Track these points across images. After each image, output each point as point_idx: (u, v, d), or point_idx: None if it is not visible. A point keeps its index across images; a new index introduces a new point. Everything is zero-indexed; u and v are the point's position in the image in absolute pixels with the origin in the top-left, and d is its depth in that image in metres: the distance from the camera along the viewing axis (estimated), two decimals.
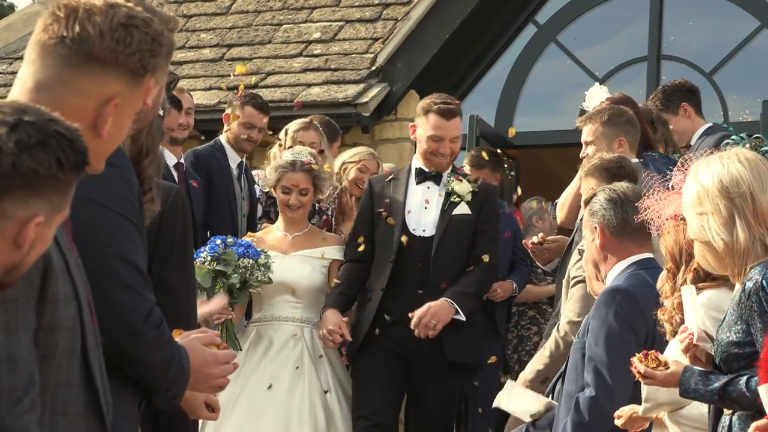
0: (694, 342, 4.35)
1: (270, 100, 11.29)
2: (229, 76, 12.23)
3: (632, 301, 5.33)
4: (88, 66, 2.91)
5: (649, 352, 4.43)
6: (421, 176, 7.61)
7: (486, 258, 7.54)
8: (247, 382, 7.33)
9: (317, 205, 8.21)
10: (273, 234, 7.71)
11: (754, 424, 3.83)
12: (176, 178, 7.90)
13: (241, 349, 7.25)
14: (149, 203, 3.86)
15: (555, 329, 6.64)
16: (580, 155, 7.45)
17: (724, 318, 4.25)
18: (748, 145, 4.67)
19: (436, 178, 7.62)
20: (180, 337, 3.72)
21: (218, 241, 7.19)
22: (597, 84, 8.74)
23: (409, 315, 7.30)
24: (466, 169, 9.87)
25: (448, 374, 7.44)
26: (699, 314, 4.43)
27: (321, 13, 12.96)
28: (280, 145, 8.27)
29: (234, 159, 8.62)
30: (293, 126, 8.37)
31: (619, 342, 5.29)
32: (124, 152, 3.52)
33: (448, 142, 7.49)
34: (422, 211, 7.54)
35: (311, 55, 12.52)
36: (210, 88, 12.15)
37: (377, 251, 7.55)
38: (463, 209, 7.51)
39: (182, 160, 8.15)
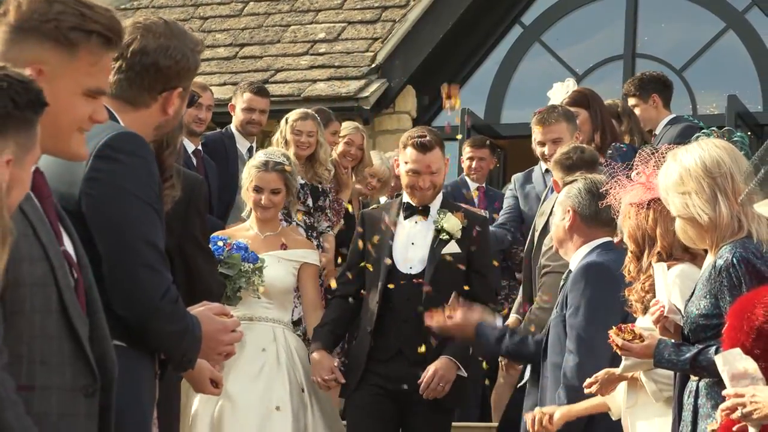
0: (665, 314, 4.36)
1: (279, 94, 11.38)
2: (242, 72, 12.27)
3: (607, 272, 5.32)
4: (16, 37, 3.01)
5: (625, 325, 4.45)
6: (409, 210, 6.78)
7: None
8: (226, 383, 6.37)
9: (320, 186, 8.25)
10: (245, 232, 6.96)
11: (720, 408, 3.86)
12: (195, 162, 8.00)
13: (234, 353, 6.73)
14: (170, 189, 3.92)
15: (528, 312, 6.60)
16: (547, 153, 7.29)
17: (693, 292, 4.29)
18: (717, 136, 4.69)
19: (424, 213, 6.77)
20: (193, 307, 3.75)
21: (219, 243, 6.60)
22: (568, 79, 8.70)
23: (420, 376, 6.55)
24: (466, 150, 9.93)
25: (439, 410, 6.65)
26: (669, 289, 4.45)
27: (326, 15, 12.99)
28: (281, 132, 8.29)
29: (243, 144, 8.67)
30: (292, 116, 8.35)
31: (598, 309, 5.31)
32: (148, 145, 3.57)
33: (427, 175, 6.66)
34: (409, 247, 6.72)
35: (316, 54, 12.56)
36: (224, 84, 12.18)
37: (367, 287, 6.75)
38: (452, 248, 6.65)
39: (200, 147, 8.24)
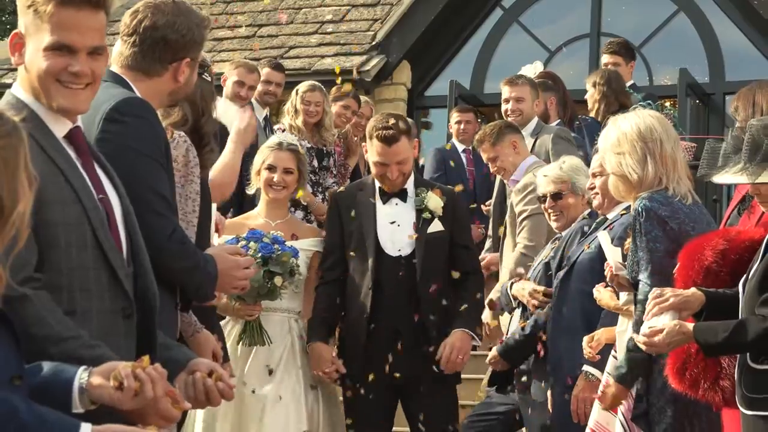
0: (614, 273, 4.44)
1: (292, 68, 11.41)
2: (260, 49, 12.30)
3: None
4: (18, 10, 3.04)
5: (594, 336, 4.55)
6: (386, 195, 5.91)
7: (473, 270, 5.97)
8: (241, 375, 5.77)
9: (325, 148, 8.22)
10: (254, 220, 6.01)
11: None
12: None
13: (271, 343, 5.82)
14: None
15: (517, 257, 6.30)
16: (510, 110, 7.46)
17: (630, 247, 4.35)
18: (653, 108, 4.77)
19: (401, 195, 5.91)
20: (211, 248, 3.78)
21: (265, 239, 5.66)
22: (536, 62, 8.85)
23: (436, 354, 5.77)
24: (454, 116, 9.95)
25: (444, 386, 5.88)
26: (615, 251, 4.54)
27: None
28: (291, 101, 8.26)
29: (260, 113, 8.52)
30: (302, 87, 8.29)
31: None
32: (151, 107, 3.60)
33: (394, 165, 5.80)
34: (395, 229, 5.86)
35: (324, 33, 12.58)
36: (245, 59, 12.19)
37: (352, 273, 5.88)
38: (436, 226, 5.83)
39: None
